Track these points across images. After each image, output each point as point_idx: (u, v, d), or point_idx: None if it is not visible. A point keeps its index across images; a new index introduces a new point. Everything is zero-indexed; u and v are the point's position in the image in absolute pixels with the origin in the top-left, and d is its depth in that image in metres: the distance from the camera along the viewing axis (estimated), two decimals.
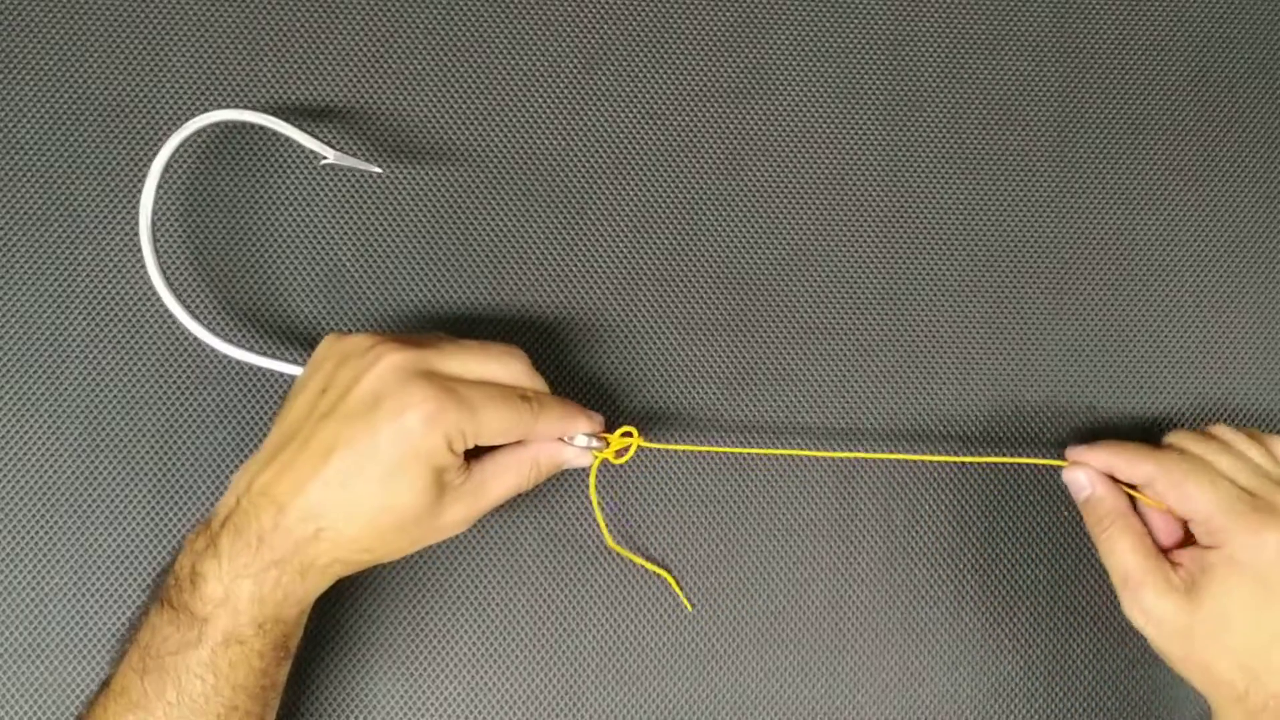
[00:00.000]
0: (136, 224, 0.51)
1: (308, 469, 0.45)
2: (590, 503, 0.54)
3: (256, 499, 0.45)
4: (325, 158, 0.53)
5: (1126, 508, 0.52)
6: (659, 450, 0.56)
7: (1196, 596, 0.48)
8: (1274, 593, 0.48)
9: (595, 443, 0.51)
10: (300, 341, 0.57)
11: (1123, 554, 0.50)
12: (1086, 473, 0.53)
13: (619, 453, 0.51)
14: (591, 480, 0.53)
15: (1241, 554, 0.48)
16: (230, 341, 0.52)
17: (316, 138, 0.53)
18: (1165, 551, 0.51)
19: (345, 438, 0.45)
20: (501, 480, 0.49)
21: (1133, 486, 0.52)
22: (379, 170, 0.54)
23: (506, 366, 0.48)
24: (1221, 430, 0.53)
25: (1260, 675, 0.48)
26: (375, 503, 0.45)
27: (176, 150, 0.51)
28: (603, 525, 0.55)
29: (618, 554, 0.56)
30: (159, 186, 0.51)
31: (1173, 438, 0.54)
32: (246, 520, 0.45)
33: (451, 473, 0.46)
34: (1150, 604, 0.49)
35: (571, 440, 0.50)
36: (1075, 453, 0.53)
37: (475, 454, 0.48)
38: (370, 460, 0.45)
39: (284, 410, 0.48)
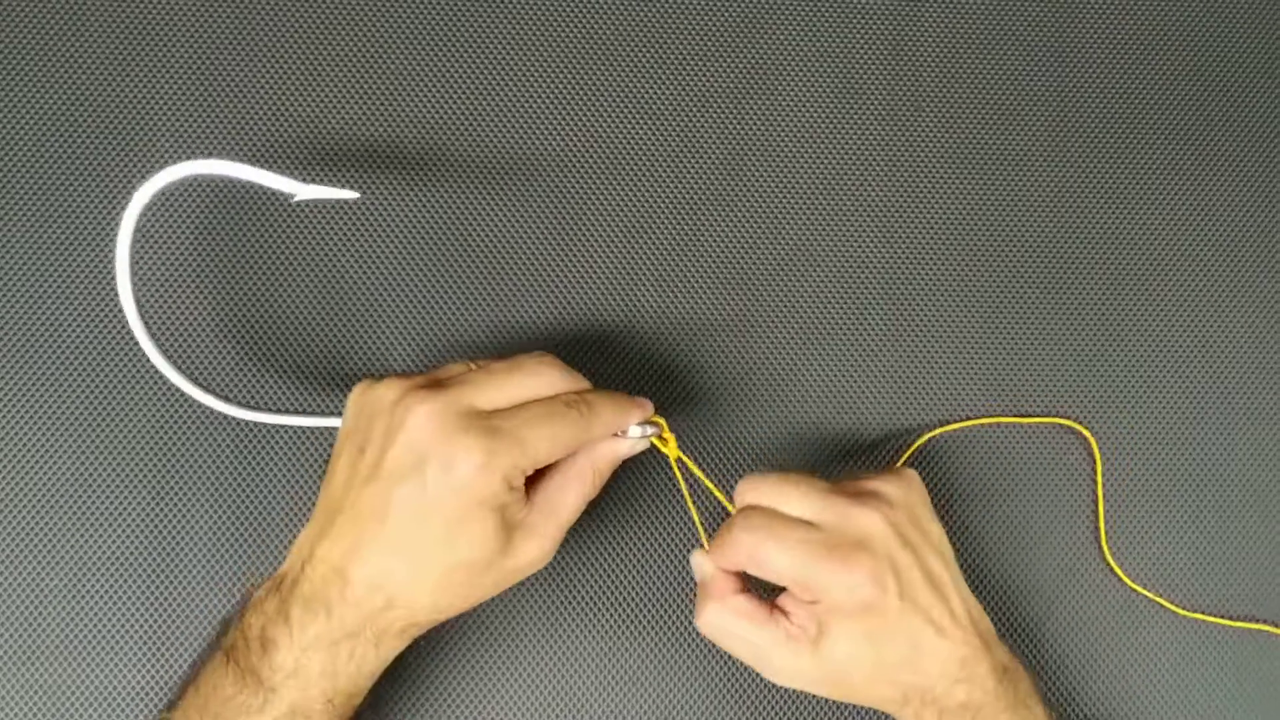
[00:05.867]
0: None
1: (364, 537, 0.43)
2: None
3: (319, 568, 0.44)
4: (294, 196, 0.49)
5: (719, 581, 0.48)
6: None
7: (819, 649, 0.46)
8: (885, 617, 0.46)
9: (649, 429, 0.49)
10: (297, 354, 0.57)
11: (730, 628, 0.48)
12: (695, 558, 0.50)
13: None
14: (676, 472, 0.52)
15: (840, 599, 0.46)
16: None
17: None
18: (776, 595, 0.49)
19: (396, 501, 0.43)
20: (566, 500, 0.47)
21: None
22: (355, 195, 0.50)
23: (540, 378, 0.46)
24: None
25: (907, 687, 0.47)
26: (442, 562, 0.43)
27: (145, 209, 0.48)
28: (697, 519, 0.53)
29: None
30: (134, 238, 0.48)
31: (740, 491, 0.49)
32: (314, 590, 0.43)
33: (514, 508, 0.44)
34: (782, 667, 0.47)
35: (625, 433, 0.48)
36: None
37: (531, 480, 0.46)
38: (428, 520, 0.43)
39: (328, 472, 0.46)
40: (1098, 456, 0.60)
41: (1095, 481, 0.60)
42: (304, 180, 0.49)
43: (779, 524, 0.47)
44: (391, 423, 0.44)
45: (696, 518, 0.53)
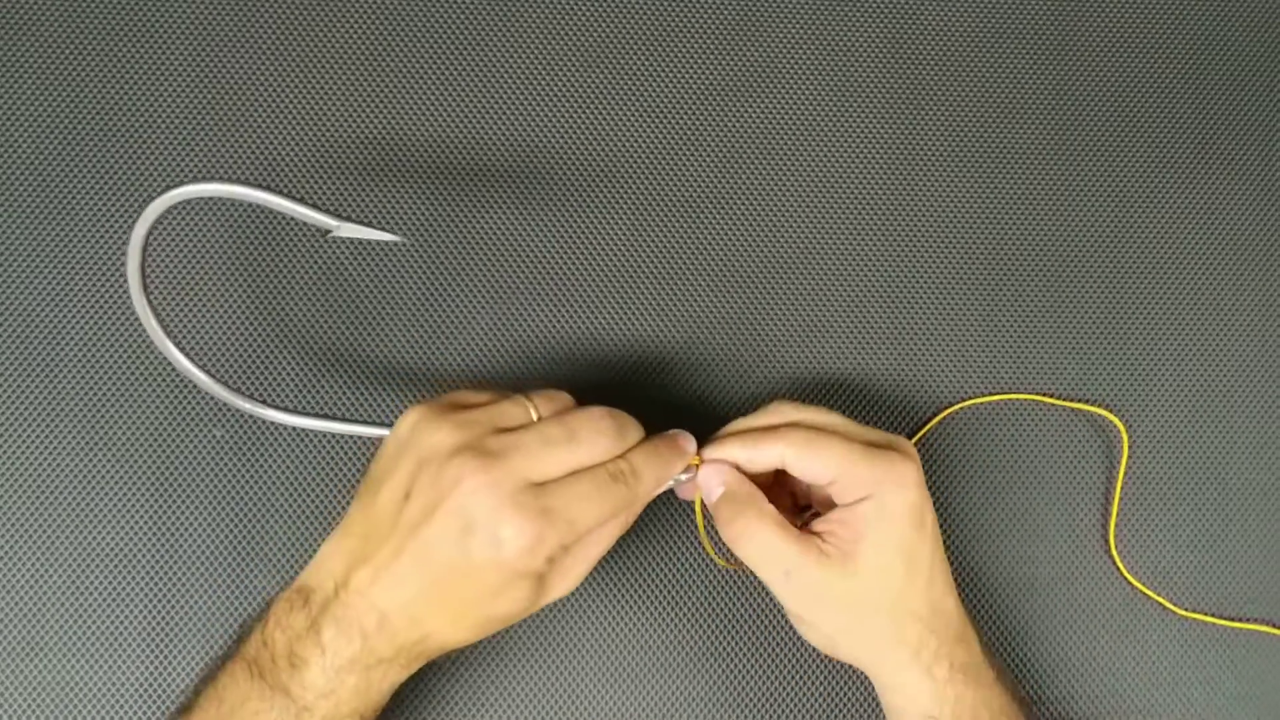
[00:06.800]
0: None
1: (405, 582, 0.44)
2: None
3: (355, 598, 0.44)
4: (331, 230, 0.48)
5: (758, 493, 0.48)
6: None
7: (855, 557, 0.46)
8: (922, 534, 0.47)
9: (686, 474, 0.48)
10: (302, 352, 0.56)
11: (766, 539, 0.47)
12: (714, 469, 0.49)
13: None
14: (697, 508, 0.51)
15: (889, 498, 0.46)
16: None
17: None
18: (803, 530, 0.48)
19: (440, 560, 0.43)
20: (599, 546, 0.47)
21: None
22: (396, 238, 0.50)
23: (594, 445, 0.45)
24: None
25: (930, 621, 0.47)
26: (481, 614, 0.45)
27: (159, 219, 0.46)
28: (708, 545, 0.55)
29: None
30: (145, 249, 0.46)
31: (780, 412, 0.50)
32: (348, 615, 0.44)
33: (550, 565, 0.45)
34: (813, 579, 0.47)
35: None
36: (705, 452, 0.49)
37: None
38: (468, 583, 0.44)
39: (369, 490, 0.46)
40: (1125, 448, 0.59)
41: (1115, 475, 0.59)
42: (330, 205, 0.51)
43: (828, 430, 0.48)
44: (441, 481, 0.43)
45: (706, 542, 0.53)
